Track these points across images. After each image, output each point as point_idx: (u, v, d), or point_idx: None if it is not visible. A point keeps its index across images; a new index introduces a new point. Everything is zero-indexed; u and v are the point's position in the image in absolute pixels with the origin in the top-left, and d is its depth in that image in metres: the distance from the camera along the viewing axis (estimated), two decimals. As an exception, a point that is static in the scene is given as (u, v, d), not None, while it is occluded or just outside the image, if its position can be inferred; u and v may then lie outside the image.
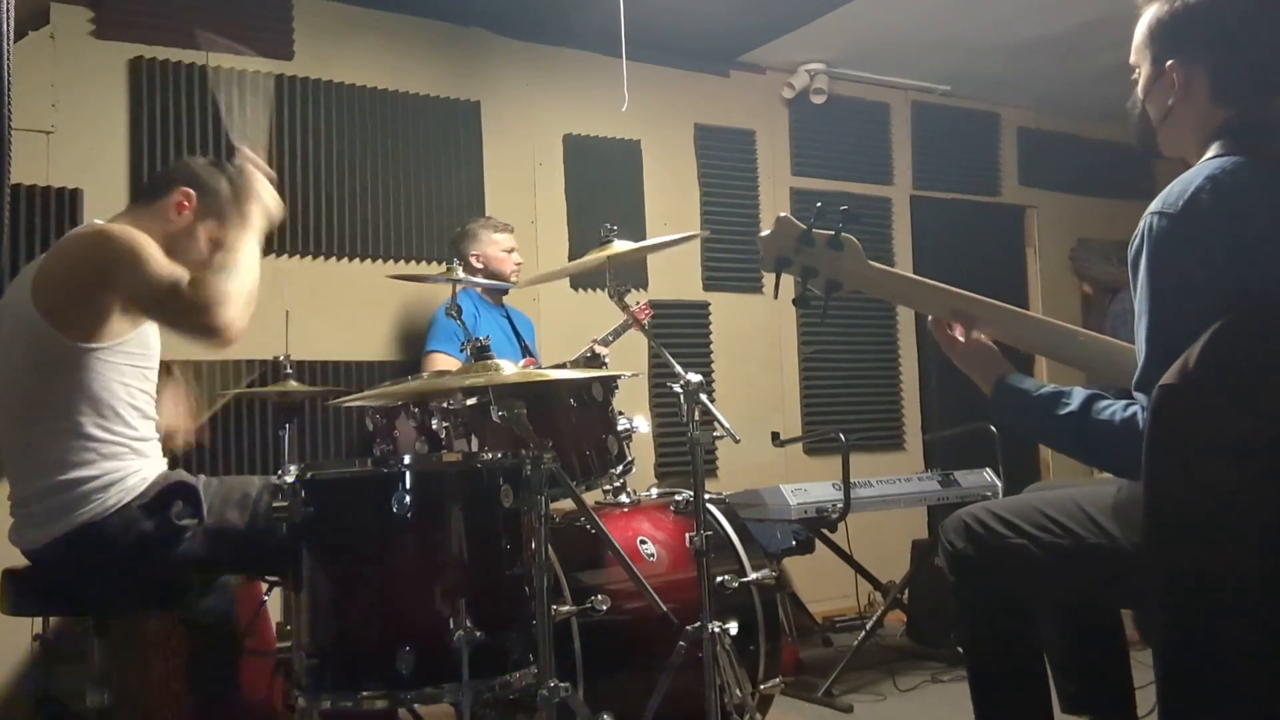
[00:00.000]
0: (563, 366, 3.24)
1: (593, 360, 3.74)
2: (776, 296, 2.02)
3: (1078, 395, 1.68)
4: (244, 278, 2.15)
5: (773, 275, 1.93)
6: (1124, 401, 1.62)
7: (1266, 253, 1.52)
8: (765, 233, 1.91)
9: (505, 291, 3.99)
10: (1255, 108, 1.64)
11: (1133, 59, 1.78)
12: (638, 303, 4.21)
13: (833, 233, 1.89)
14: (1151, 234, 1.56)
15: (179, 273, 2.10)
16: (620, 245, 2.49)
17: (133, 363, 2.20)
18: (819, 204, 1.91)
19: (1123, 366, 1.81)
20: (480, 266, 3.92)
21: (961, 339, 1.89)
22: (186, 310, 2.07)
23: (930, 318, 1.94)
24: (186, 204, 2.32)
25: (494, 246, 3.93)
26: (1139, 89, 1.76)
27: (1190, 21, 1.67)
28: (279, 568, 2.25)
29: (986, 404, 1.83)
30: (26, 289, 2.15)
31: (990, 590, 1.93)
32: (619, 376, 2.69)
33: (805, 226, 1.88)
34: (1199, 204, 1.53)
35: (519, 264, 3.99)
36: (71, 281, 2.13)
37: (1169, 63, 1.68)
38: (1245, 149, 1.60)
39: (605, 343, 3.88)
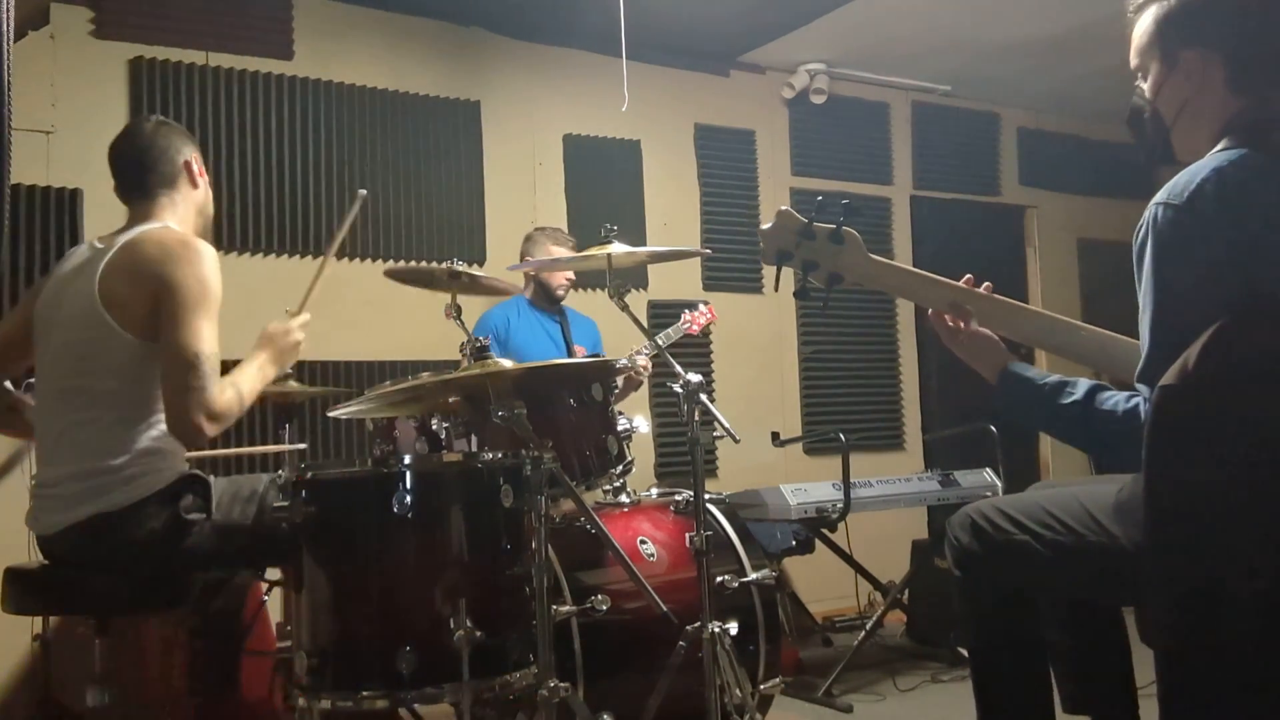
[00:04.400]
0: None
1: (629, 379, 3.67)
2: (777, 289, 2.03)
3: (1082, 385, 1.69)
4: (243, 406, 2.21)
5: (773, 268, 1.94)
6: (1127, 393, 1.62)
7: (1271, 246, 1.52)
8: (766, 226, 1.91)
9: (558, 299, 3.94)
10: (1267, 100, 1.63)
11: (1136, 63, 1.76)
12: (702, 306, 4.02)
13: (834, 226, 1.90)
14: (1156, 225, 1.55)
15: (210, 354, 2.13)
16: (619, 247, 2.49)
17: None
18: (820, 198, 1.91)
19: (1121, 361, 1.81)
20: (533, 274, 3.90)
21: (960, 329, 1.90)
22: (190, 391, 2.09)
23: (930, 310, 1.94)
24: (201, 168, 2.42)
25: (550, 258, 3.85)
26: (1148, 90, 1.74)
27: (1205, 8, 1.66)
28: (284, 563, 2.25)
29: (991, 393, 1.83)
30: (94, 279, 2.17)
31: (995, 586, 1.94)
32: (618, 372, 2.68)
33: (806, 220, 1.89)
34: (1204, 195, 1.53)
35: (571, 280, 3.94)
36: (142, 280, 2.16)
37: (1186, 53, 1.67)
38: (1254, 142, 1.59)
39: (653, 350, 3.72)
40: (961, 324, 1.90)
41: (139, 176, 2.34)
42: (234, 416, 2.17)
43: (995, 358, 1.85)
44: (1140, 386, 1.58)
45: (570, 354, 3.86)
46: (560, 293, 3.94)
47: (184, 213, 2.36)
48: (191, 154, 2.39)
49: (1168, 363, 1.48)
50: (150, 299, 2.15)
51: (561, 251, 3.92)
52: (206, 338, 2.13)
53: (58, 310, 2.25)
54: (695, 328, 3.98)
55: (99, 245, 2.28)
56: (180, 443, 2.18)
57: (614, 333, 4.00)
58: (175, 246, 2.20)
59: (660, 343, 3.64)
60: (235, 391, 2.18)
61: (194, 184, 2.39)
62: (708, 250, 4.77)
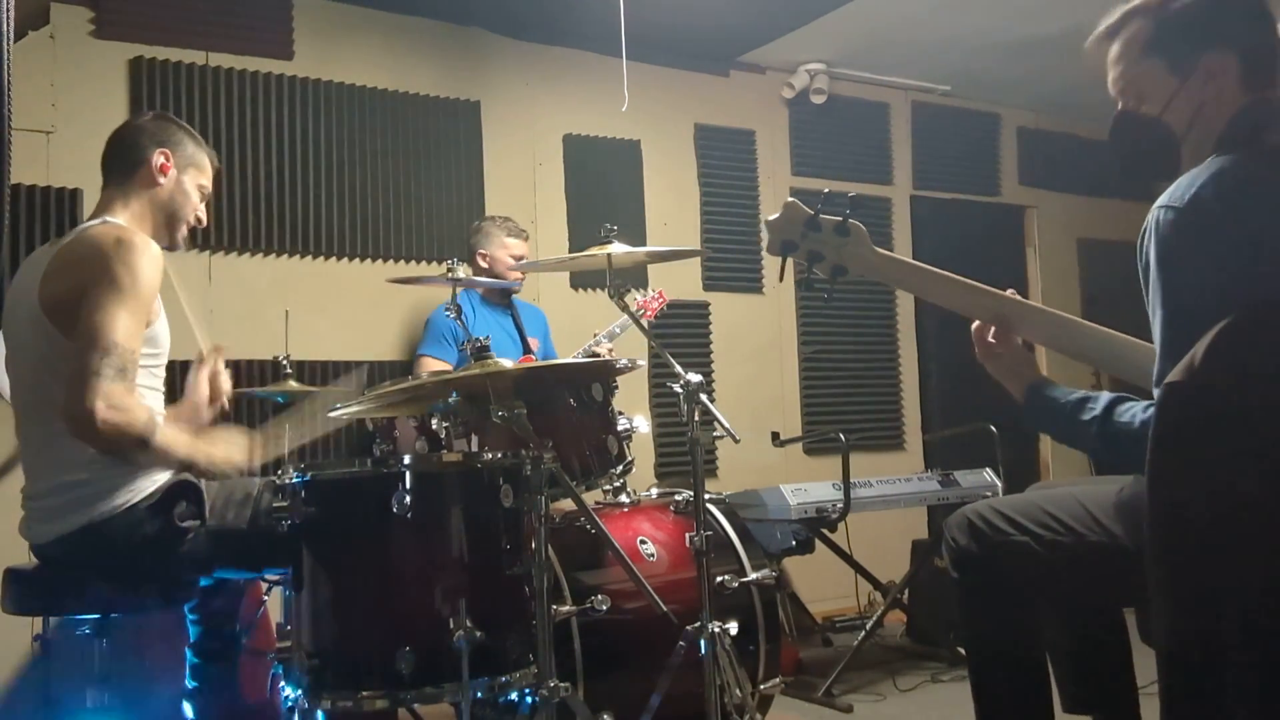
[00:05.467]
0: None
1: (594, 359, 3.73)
2: (781, 279, 2.05)
3: (1102, 399, 1.69)
4: (145, 431, 2.05)
5: (778, 260, 1.95)
6: (1145, 403, 1.61)
7: (1272, 246, 1.52)
8: (772, 217, 1.92)
9: (509, 292, 3.97)
10: (1266, 99, 1.63)
11: (1124, 82, 1.73)
12: (653, 292, 4.09)
13: (839, 219, 1.91)
14: (1159, 228, 1.55)
15: (125, 348, 2.01)
16: (619, 247, 2.49)
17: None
18: (825, 190, 1.92)
19: (1127, 362, 1.81)
20: (485, 267, 3.92)
21: (999, 347, 1.87)
22: (91, 376, 1.97)
23: (974, 325, 1.92)
24: (168, 163, 2.33)
25: (503, 250, 3.90)
26: (1154, 106, 1.70)
27: (1220, 9, 1.65)
28: (281, 564, 2.24)
29: (1019, 410, 1.83)
30: (35, 286, 2.13)
31: (993, 587, 1.93)
32: (618, 372, 2.68)
33: (812, 211, 1.90)
34: (1204, 197, 1.53)
35: (522, 276, 3.97)
36: (79, 285, 2.09)
37: (1205, 57, 1.64)
38: (1250, 143, 1.59)
39: (611, 335, 3.85)
40: (999, 338, 1.87)
41: (105, 164, 2.32)
42: (132, 423, 2.01)
43: (1026, 374, 1.84)
44: (1157, 392, 1.57)
45: (525, 345, 3.87)
46: (514, 289, 3.95)
47: (137, 208, 2.29)
48: (163, 151, 2.31)
49: None
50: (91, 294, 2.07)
51: (517, 244, 3.92)
52: (123, 329, 2.03)
53: (16, 320, 2.22)
54: (649, 314, 4.01)
55: (49, 248, 2.24)
56: (71, 432, 2.01)
57: (569, 329, 4.02)
58: (109, 243, 2.10)
59: (617, 331, 3.75)
60: (146, 412, 2.06)
61: (154, 181, 2.30)
62: (706, 250, 4.78)
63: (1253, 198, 1.53)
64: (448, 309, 2.73)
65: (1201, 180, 1.54)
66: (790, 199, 1.93)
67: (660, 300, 4.07)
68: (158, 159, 2.31)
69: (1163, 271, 1.55)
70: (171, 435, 2.14)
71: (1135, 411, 1.62)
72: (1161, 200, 1.57)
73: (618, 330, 3.85)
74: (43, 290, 2.12)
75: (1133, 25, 1.70)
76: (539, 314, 4.14)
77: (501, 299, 3.97)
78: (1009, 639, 1.94)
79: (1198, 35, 1.66)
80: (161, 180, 2.32)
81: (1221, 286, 1.49)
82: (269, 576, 2.60)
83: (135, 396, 2.06)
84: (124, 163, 2.31)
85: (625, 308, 2.51)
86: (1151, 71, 1.70)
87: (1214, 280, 1.51)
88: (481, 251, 3.94)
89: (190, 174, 2.37)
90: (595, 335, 3.86)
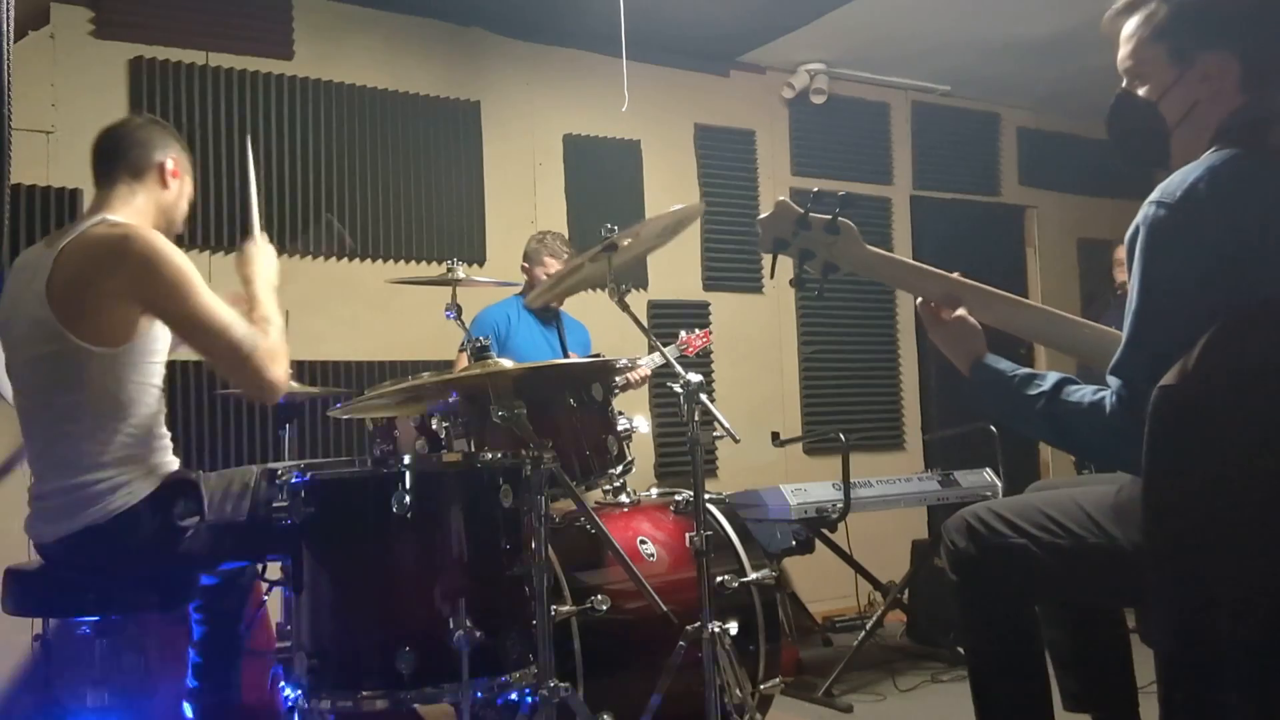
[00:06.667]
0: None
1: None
2: (773, 276, 2.05)
3: (1050, 378, 1.69)
4: (283, 332, 2.26)
5: (770, 257, 1.96)
6: (1094, 386, 1.62)
7: (1264, 247, 1.51)
8: (764, 215, 1.93)
9: (550, 307, 3.94)
10: (1266, 99, 1.63)
11: (1129, 64, 1.73)
12: (697, 330, 4.13)
13: (829, 217, 1.91)
14: (1148, 223, 1.55)
15: (235, 322, 2.13)
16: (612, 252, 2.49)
17: (145, 360, 2.19)
18: (815, 190, 1.93)
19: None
20: (528, 280, 3.93)
21: (945, 316, 1.88)
22: (245, 362, 2.12)
23: (919, 299, 1.93)
24: (178, 170, 2.35)
25: (541, 269, 3.88)
26: (1150, 91, 1.70)
27: (1228, 8, 1.63)
28: (283, 553, 2.24)
29: (963, 383, 1.83)
30: (40, 288, 2.12)
31: (991, 590, 1.93)
32: (618, 372, 2.68)
33: (802, 210, 1.91)
34: (1196, 195, 1.52)
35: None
36: (92, 287, 2.10)
37: (1206, 55, 1.64)
38: (1248, 142, 1.59)
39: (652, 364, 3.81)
40: (948, 313, 1.88)
41: (108, 161, 2.29)
42: (284, 345, 2.22)
43: (973, 347, 1.83)
44: (1111, 379, 1.58)
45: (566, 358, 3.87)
46: (555, 304, 3.94)
47: (143, 205, 2.29)
48: (172, 156, 2.33)
49: (1144, 359, 1.49)
50: (108, 298, 2.09)
51: (555, 264, 3.90)
52: (216, 308, 2.12)
53: (15, 322, 2.21)
54: (690, 350, 4.04)
55: (45, 248, 2.21)
56: (266, 402, 2.21)
57: (615, 332, 4.00)
58: (118, 245, 2.11)
59: (656, 361, 3.73)
60: (273, 326, 2.24)
61: (164, 184, 2.32)
62: (705, 250, 4.76)
63: (1246, 196, 1.53)
64: (448, 308, 2.73)
65: (1195, 176, 1.54)
66: (781, 198, 1.94)
67: (705, 339, 4.10)
68: (169, 163, 2.33)
69: (1145, 265, 1.55)
70: (274, 313, 2.30)
71: (1084, 393, 1.62)
72: (1153, 196, 1.57)
73: (657, 361, 3.82)
74: (51, 293, 2.11)
75: (1150, 5, 1.69)
76: (583, 330, 4.13)
77: (545, 312, 3.96)
78: (1008, 641, 1.94)
79: (1203, 31, 1.65)
80: (170, 184, 2.34)
81: (1203, 286, 1.49)
82: (269, 576, 2.60)
83: (265, 332, 2.20)
84: (133, 162, 2.30)
85: (625, 307, 2.51)
86: (1155, 57, 1.69)
87: (1197, 279, 1.50)
88: (524, 265, 3.97)
89: (186, 181, 2.40)
90: (635, 359, 3.83)
